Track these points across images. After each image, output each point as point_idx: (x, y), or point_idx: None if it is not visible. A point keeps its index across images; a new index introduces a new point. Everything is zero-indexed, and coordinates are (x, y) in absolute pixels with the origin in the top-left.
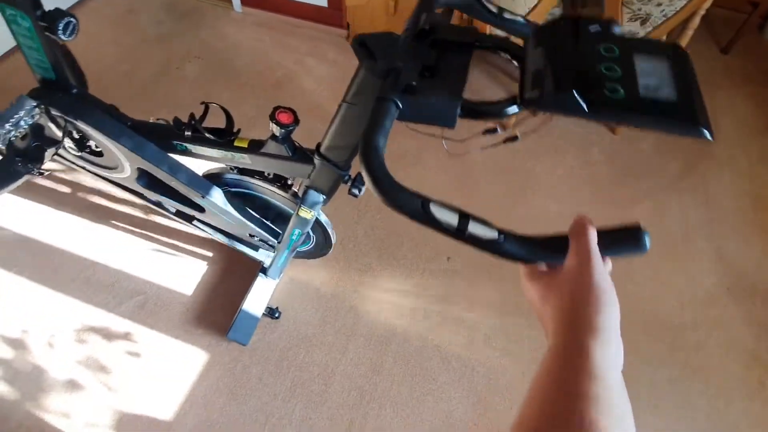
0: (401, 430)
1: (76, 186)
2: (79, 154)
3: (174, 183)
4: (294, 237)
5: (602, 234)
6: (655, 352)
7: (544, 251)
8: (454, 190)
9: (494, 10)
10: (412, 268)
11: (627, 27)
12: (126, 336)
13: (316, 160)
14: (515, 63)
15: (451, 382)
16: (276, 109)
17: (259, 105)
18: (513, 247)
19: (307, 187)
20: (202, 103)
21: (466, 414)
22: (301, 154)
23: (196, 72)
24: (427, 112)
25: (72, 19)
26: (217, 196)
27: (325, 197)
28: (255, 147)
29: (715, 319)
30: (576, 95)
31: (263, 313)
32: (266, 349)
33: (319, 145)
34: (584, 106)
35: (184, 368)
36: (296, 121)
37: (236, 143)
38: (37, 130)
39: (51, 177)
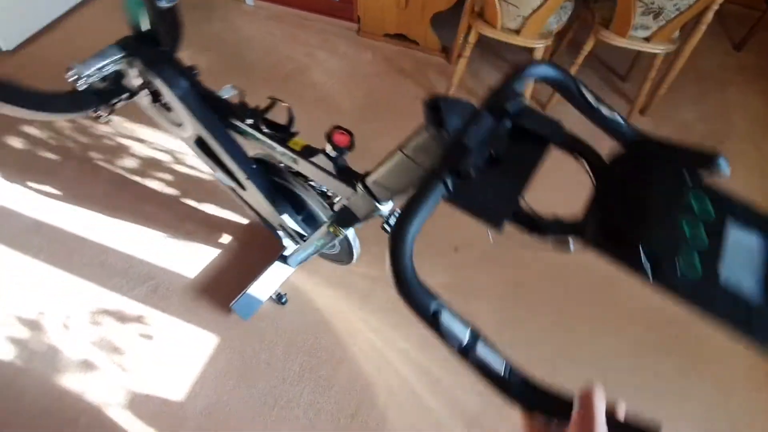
0: (409, 416)
1: (92, 173)
2: (152, 104)
3: (225, 158)
4: (318, 244)
5: (612, 421)
6: (661, 344)
7: (547, 405)
8: None
9: (592, 101)
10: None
11: (639, 20)
12: (139, 319)
13: (359, 188)
14: (591, 178)
15: (462, 372)
16: (334, 128)
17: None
18: (517, 387)
19: (344, 207)
20: (269, 97)
21: (477, 407)
22: (346, 177)
23: (207, 64)
24: (477, 205)
25: None
26: (260, 182)
27: (357, 221)
28: (307, 153)
29: None
30: (642, 254)
31: (271, 297)
32: (275, 335)
33: (365, 175)
34: (649, 272)
35: (195, 351)
36: (351, 146)
37: (290, 143)
38: (118, 76)
39: (69, 163)
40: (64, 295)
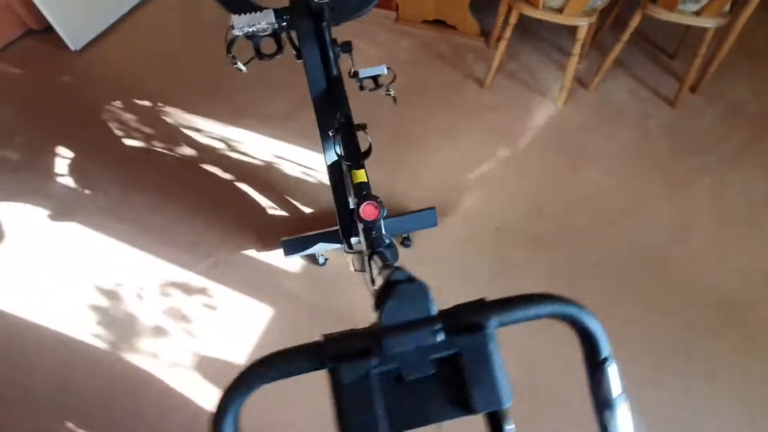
0: None
1: (155, 160)
2: (298, 60)
3: (320, 136)
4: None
5: None
6: (712, 325)
7: None
8: (500, 161)
9: (607, 390)
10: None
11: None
12: (203, 291)
13: (367, 257)
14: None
15: None
16: (363, 197)
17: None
18: None
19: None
20: (363, 124)
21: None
22: (369, 237)
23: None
24: (335, 406)
25: None
26: (332, 173)
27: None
28: (358, 190)
29: None
30: None
31: (316, 254)
32: (326, 308)
33: (375, 252)
34: None
35: (253, 321)
36: (381, 218)
37: (354, 171)
38: (276, 32)
39: (134, 151)
40: (137, 270)
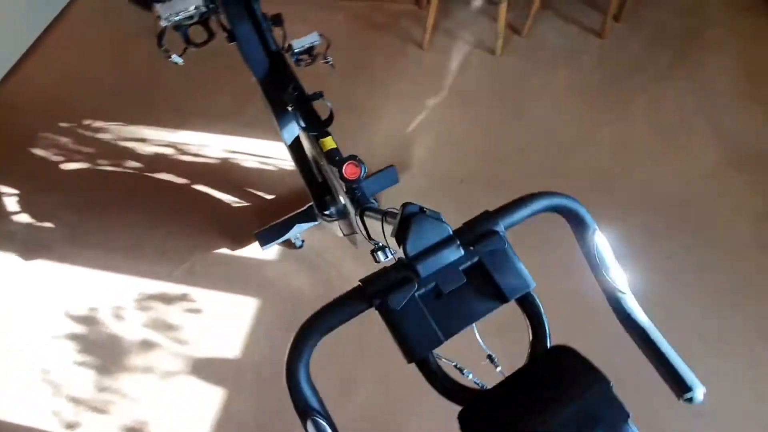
0: None
1: (103, 178)
2: (230, 44)
3: (274, 118)
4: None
5: None
6: (668, 226)
7: None
8: (450, 118)
9: (601, 258)
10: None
11: None
12: (183, 297)
13: (357, 216)
14: (528, 357)
15: None
16: (347, 158)
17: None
18: None
19: (349, 216)
20: (318, 92)
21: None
22: (353, 198)
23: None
24: (399, 328)
25: None
26: (296, 156)
27: (355, 233)
28: (330, 157)
29: (720, 190)
30: None
31: (291, 239)
32: (313, 288)
33: (365, 209)
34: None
35: (241, 315)
36: (362, 177)
37: (322, 140)
38: (202, 17)
39: (81, 173)
40: (109, 290)
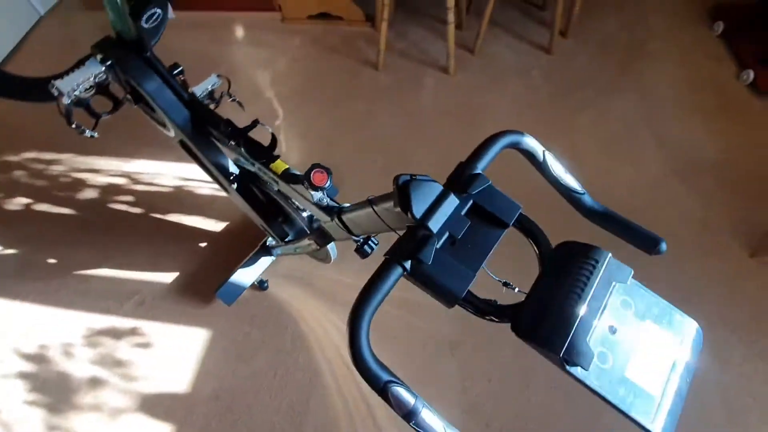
0: (394, 357)
1: (56, 211)
2: (135, 106)
3: (207, 162)
4: (299, 249)
5: None
6: (613, 237)
7: None
8: (406, 136)
9: (556, 173)
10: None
11: None
12: (133, 331)
13: (335, 220)
14: (539, 263)
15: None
16: (313, 167)
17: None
18: None
19: (322, 227)
20: (255, 120)
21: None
22: (324, 207)
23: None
24: (433, 283)
25: (158, 11)
26: (242, 189)
27: (334, 240)
28: (287, 178)
29: (664, 198)
30: (564, 360)
31: (254, 283)
32: (264, 316)
33: (341, 211)
34: (566, 369)
35: (192, 347)
36: (329, 183)
37: (272, 166)
38: (101, 85)
39: (32, 208)
40: (59, 327)
